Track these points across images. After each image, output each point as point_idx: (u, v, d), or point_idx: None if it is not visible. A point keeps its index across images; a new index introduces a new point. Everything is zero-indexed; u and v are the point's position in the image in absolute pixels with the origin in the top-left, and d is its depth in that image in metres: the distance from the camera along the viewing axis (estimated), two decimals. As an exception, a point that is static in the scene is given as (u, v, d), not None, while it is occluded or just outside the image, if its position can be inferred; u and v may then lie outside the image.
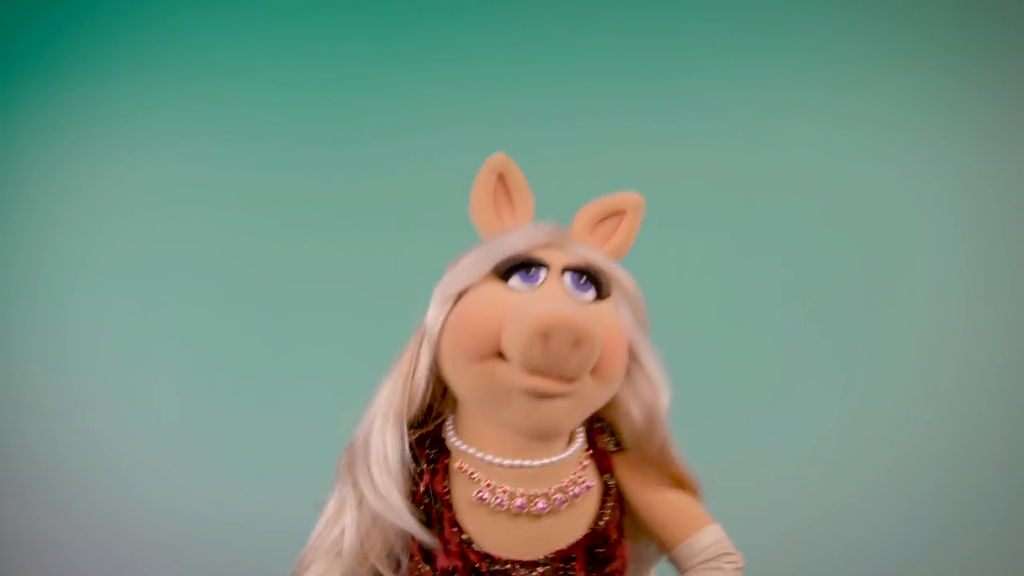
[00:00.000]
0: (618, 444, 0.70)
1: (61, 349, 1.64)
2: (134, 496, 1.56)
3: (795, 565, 1.36)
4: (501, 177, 0.70)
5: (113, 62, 1.69)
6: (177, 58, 1.68)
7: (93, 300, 1.64)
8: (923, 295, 1.49)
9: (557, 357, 0.58)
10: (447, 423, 0.69)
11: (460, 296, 0.65)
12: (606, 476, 0.68)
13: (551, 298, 0.62)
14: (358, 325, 1.56)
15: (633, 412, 0.67)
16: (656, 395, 0.67)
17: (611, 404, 0.67)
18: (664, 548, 0.70)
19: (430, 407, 0.70)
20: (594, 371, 0.61)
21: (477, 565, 0.63)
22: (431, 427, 0.70)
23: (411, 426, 0.68)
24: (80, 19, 1.70)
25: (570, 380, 0.60)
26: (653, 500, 0.69)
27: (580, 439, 0.68)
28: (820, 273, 1.50)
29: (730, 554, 0.67)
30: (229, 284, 1.61)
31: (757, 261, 1.50)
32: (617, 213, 0.71)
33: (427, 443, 0.69)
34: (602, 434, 0.71)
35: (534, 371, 0.59)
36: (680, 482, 0.69)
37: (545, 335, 0.57)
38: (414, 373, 0.67)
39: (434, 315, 0.66)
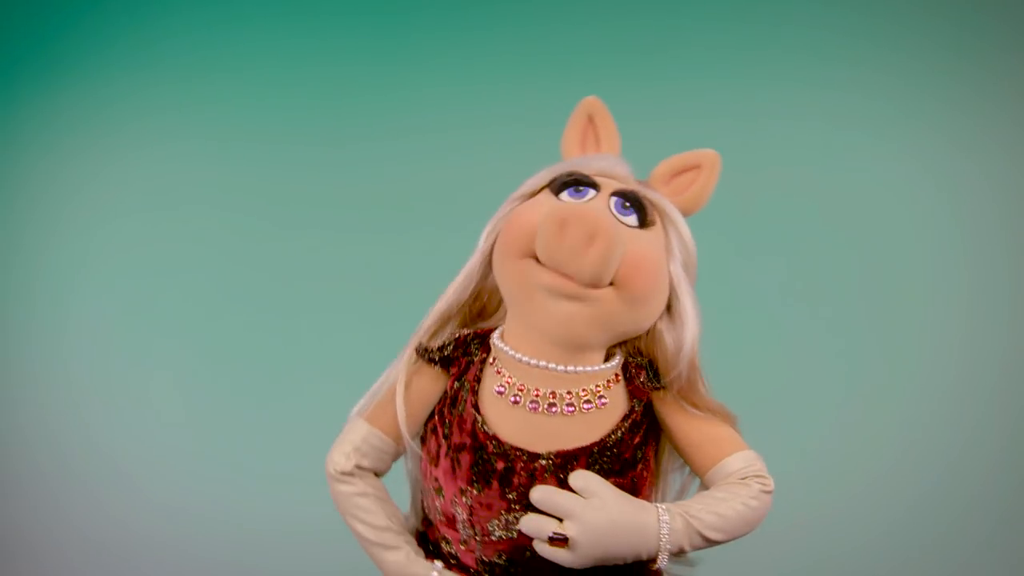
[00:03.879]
0: (656, 384, 0.71)
1: (61, 349, 1.64)
2: (134, 496, 1.56)
3: (795, 564, 1.36)
4: (591, 119, 0.76)
5: (113, 62, 1.69)
6: (177, 58, 1.68)
7: (93, 300, 1.64)
8: (923, 294, 1.49)
9: (571, 249, 0.61)
10: (498, 328, 0.73)
11: (523, 200, 0.70)
12: (634, 401, 0.70)
13: (585, 204, 0.65)
14: (358, 324, 1.56)
15: (667, 342, 0.69)
16: (686, 330, 0.69)
17: (648, 335, 0.70)
18: (698, 472, 0.71)
19: (483, 312, 0.76)
20: (616, 284, 0.64)
21: (484, 443, 0.67)
22: (481, 328, 0.75)
23: (467, 324, 0.75)
24: (80, 19, 1.70)
25: (586, 284, 0.62)
26: (690, 425, 0.70)
27: (615, 361, 0.70)
28: (820, 273, 1.50)
29: (762, 477, 0.68)
30: (229, 283, 1.61)
31: (757, 261, 1.50)
32: (694, 167, 0.73)
33: (474, 337, 0.73)
34: (642, 368, 0.71)
35: (551, 262, 0.63)
36: (714, 415, 0.71)
37: (562, 223, 0.61)
38: (466, 271, 0.73)
39: (492, 221, 0.72)
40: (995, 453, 1.43)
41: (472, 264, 0.72)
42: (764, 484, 0.67)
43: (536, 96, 1.56)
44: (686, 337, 0.68)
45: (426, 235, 1.55)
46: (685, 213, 0.72)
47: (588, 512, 0.62)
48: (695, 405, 0.70)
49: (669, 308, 0.69)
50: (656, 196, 0.70)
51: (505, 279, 0.69)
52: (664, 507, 0.64)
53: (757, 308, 1.49)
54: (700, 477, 0.71)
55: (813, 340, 1.49)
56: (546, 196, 0.69)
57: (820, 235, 1.51)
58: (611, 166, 0.71)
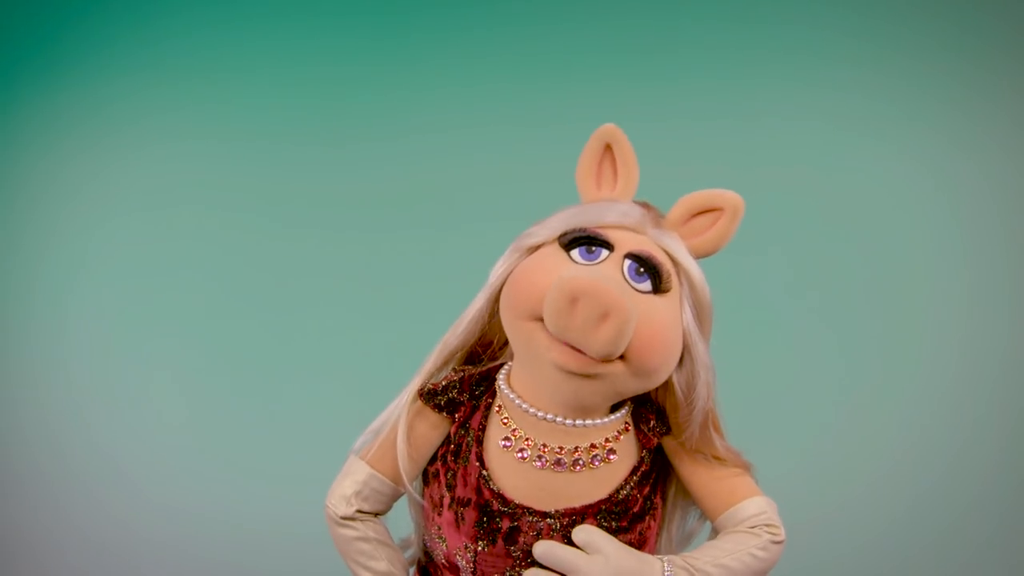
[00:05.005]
0: (666, 428, 0.70)
1: (61, 348, 1.64)
2: (135, 496, 1.56)
3: (795, 564, 1.36)
4: (608, 148, 0.71)
5: (113, 62, 1.69)
6: (177, 58, 1.68)
7: (93, 299, 1.64)
8: (923, 294, 1.49)
9: (582, 327, 0.57)
10: (504, 367, 0.71)
11: (529, 252, 0.67)
12: (644, 453, 0.68)
13: (599, 274, 0.61)
14: (359, 324, 1.56)
15: (679, 394, 0.66)
16: (698, 383, 0.66)
17: (662, 385, 0.67)
18: (709, 516, 0.70)
19: (490, 348, 0.74)
20: (627, 358, 0.61)
21: (489, 501, 0.65)
22: (487, 367, 0.72)
23: (471, 363, 0.73)
24: (80, 19, 1.70)
25: (596, 359, 0.59)
26: (703, 470, 0.69)
27: (623, 411, 0.68)
28: (820, 273, 1.50)
29: (773, 526, 0.66)
30: (229, 283, 1.61)
31: (757, 261, 1.50)
32: (714, 209, 0.69)
33: (479, 380, 0.71)
34: (652, 413, 0.70)
35: (561, 337, 0.59)
36: (730, 463, 0.69)
37: (573, 299, 0.57)
38: (470, 314, 0.70)
39: (500, 264, 0.69)
40: (995, 453, 1.43)
41: (479, 307, 0.70)
42: (774, 534, 0.66)
43: (536, 96, 1.56)
44: (699, 391, 0.66)
45: (426, 235, 1.55)
46: (700, 256, 0.69)
47: (592, 568, 0.61)
48: (711, 456, 0.68)
49: (681, 359, 0.66)
50: (671, 242, 0.66)
51: (512, 336, 0.66)
52: (668, 561, 0.62)
53: (757, 308, 1.49)
54: (711, 521, 0.70)
55: (813, 340, 1.49)
56: (555, 251, 0.65)
57: (820, 235, 1.51)
58: (625, 216, 0.66)
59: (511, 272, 0.67)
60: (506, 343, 0.73)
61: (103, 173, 1.68)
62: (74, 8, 1.70)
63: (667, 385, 0.67)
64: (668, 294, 0.64)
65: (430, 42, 1.63)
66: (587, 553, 0.62)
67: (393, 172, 1.60)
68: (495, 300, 0.69)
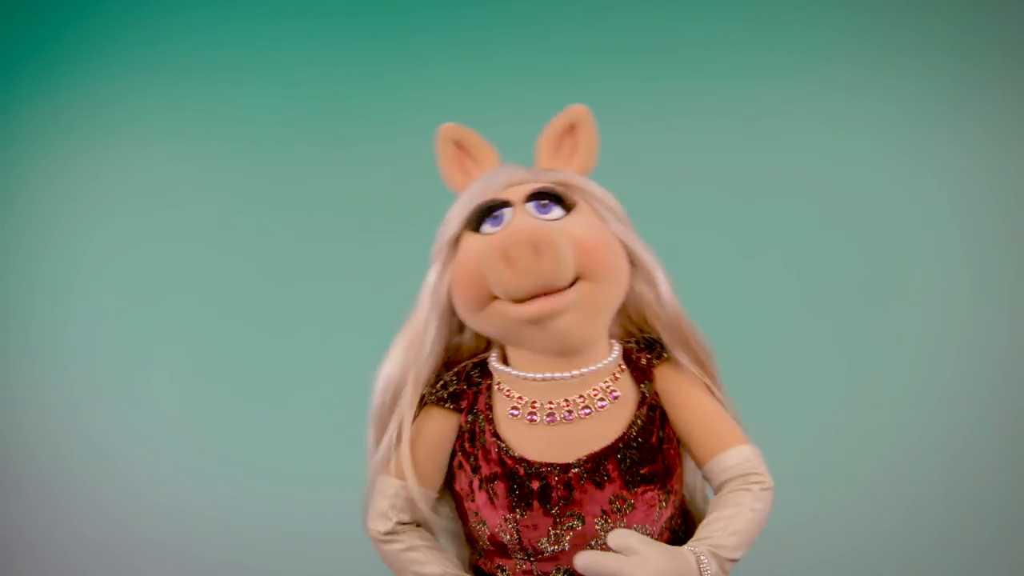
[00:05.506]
0: (659, 353, 0.73)
1: (61, 348, 1.64)
2: (134, 496, 1.56)
3: (795, 564, 1.36)
4: (458, 143, 0.80)
5: (113, 62, 1.69)
6: (177, 58, 1.68)
7: (93, 299, 1.64)
8: (923, 294, 1.49)
9: (525, 270, 0.61)
10: (493, 351, 0.74)
11: (449, 250, 0.71)
12: (642, 385, 0.71)
13: (512, 226, 0.66)
14: (358, 324, 1.56)
15: (647, 295, 0.71)
16: (656, 272, 0.71)
17: (631, 298, 0.72)
18: (697, 460, 0.72)
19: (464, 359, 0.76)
20: (584, 274, 0.64)
21: (515, 468, 0.67)
22: (479, 357, 0.75)
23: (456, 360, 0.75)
24: (80, 19, 1.70)
25: (557, 290, 0.63)
26: (688, 416, 0.72)
27: (615, 353, 0.71)
28: (820, 273, 1.50)
29: (758, 474, 0.69)
30: (229, 283, 1.61)
31: (756, 262, 1.50)
32: (570, 129, 0.74)
33: (474, 367, 0.74)
34: (640, 349, 0.73)
35: (517, 294, 0.63)
36: (703, 364, 0.73)
37: (505, 256, 0.61)
38: (425, 333, 0.71)
39: (432, 275, 0.72)
40: (995, 453, 1.43)
41: (434, 328, 0.71)
42: (763, 483, 0.69)
43: (536, 96, 1.56)
44: (659, 277, 0.71)
45: (426, 235, 1.55)
46: (585, 173, 0.73)
47: (635, 570, 0.62)
48: (694, 356, 0.72)
49: (632, 263, 0.71)
50: (555, 174, 0.71)
51: (484, 328, 0.69)
52: (699, 550, 0.64)
53: (758, 307, 1.49)
54: (699, 466, 0.73)
55: (814, 340, 1.49)
56: (470, 237, 0.69)
57: (820, 235, 1.51)
58: (506, 176, 0.72)
59: (450, 279, 0.70)
60: (487, 346, 0.76)
61: (103, 173, 1.67)
62: (74, 8, 1.70)
63: (632, 294, 0.71)
64: (577, 209, 0.69)
65: (430, 42, 1.63)
66: (626, 556, 0.63)
67: (393, 172, 1.60)
68: (447, 314, 0.72)
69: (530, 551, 0.69)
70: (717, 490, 0.71)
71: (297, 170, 1.63)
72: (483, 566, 0.75)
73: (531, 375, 0.68)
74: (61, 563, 1.53)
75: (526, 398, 0.68)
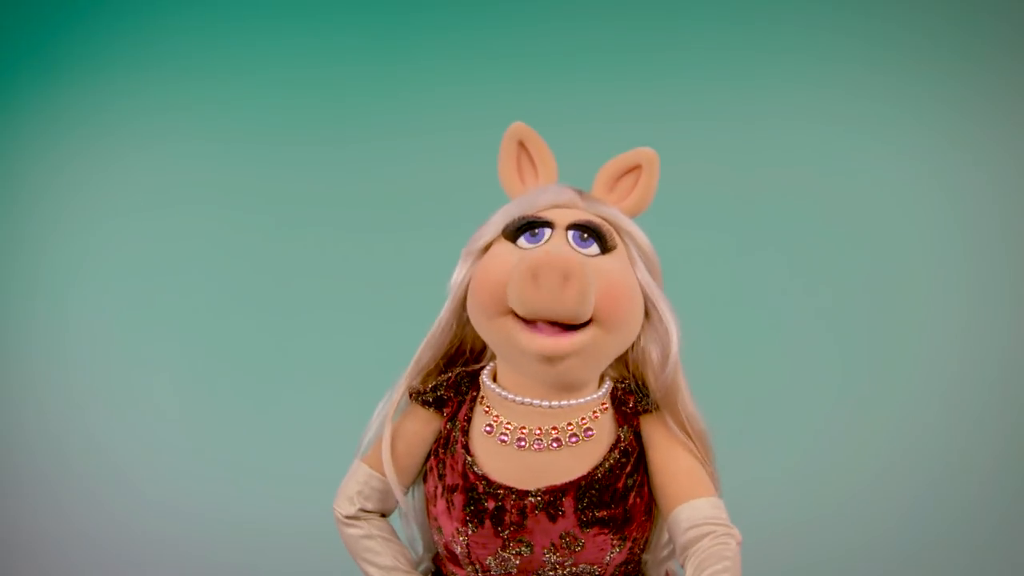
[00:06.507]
0: (646, 406, 0.72)
1: (61, 348, 1.64)
2: (134, 495, 1.56)
3: (795, 564, 1.36)
4: (522, 144, 0.77)
5: (113, 62, 1.69)
6: (177, 58, 1.68)
7: (93, 299, 1.64)
8: (923, 294, 1.49)
9: (549, 295, 0.61)
10: (489, 365, 0.74)
11: (480, 252, 0.71)
12: (621, 430, 0.70)
13: (548, 248, 0.66)
14: (359, 324, 1.56)
15: (652, 354, 0.71)
16: (669, 330, 0.70)
17: (633, 348, 0.72)
18: (664, 505, 0.71)
19: (464, 356, 0.77)
20: (596, 318, 0.64)
21: (475, 483, 0.68)
22: (474, 367, 0.76)
23: (454, 364, 0.76)
24: (79, 19, 1.70)
25: (572, 320, 0.62)
26: (662, 464, 0.71)
27: (602, 390, 0.71)
28: (820, 273, 1.50)
29: (728, 527, 0.67)
30: (229, 283, 1.61)
31: (756, 261, 1.50)
32: (633, 169, 0.74)
33: (465, 376, 0.75)
34: (631, 394, 0.73)
35: (533, 314, 0.63)
36: (689, 434, 0.71)
37: (534, 274, 0.61)
38: (438, 326, 0.73)
39: (457, 273, 0.72)
40: (995, 453, 1.43)
41: (445, 319, 0.73)
42: (735, 536, 0.67)
43: (536, 96, 1.56)
44: (671, 338, 0.70)
45: (426, 235, 1.55)
46: (633, 215, 0.73)
47: None
48: (680, 424, 0.70)
49: (647, 315, 0.70)
50: (604, 209, 0.71)
51: (489, 337, 0.69)
52: None
53: (758, 307, 1.49)
54: (666, 511, 0.70)
55: (814, 340, 1.49)
56: (504, 245, 0.69)
57: (820, 235, 1.51)
58: (556, 196, 0.71)
59: (471, 278, 0.70)
60: (483, 349, 0.77)
61: (103, 173, 1.67)
62: (74, 8, 1.70)
63: (638, 345, 0.71)
64: (615, 252, 0.68)
65: (430, 42, 1.63)
66: None
67: (393, 172, 1.60)
68: (459, 309, 0.72)
69: (478, 566, 0.70)
70: (683, 538, 0.67)
71: (297, 170, 1.63)
72: (442, 568, 0.77)
73: (512, 396, 0.69)
74: (61, 563, 1.53)
75: (503, 418, 0.69)
